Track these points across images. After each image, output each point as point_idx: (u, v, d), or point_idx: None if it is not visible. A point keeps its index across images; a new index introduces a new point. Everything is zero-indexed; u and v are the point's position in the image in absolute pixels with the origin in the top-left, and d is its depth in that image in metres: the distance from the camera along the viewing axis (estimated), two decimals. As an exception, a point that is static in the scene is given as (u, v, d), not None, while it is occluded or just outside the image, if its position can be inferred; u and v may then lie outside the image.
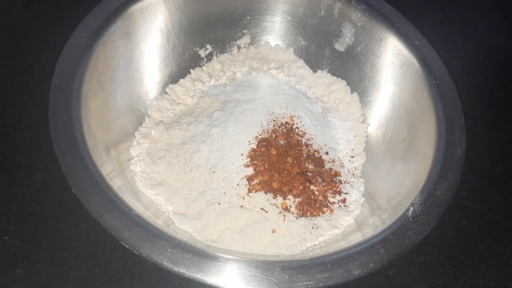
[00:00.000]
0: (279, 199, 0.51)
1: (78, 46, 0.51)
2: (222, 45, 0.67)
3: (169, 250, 0.40)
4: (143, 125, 0.58)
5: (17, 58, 0.61)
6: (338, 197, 0.54)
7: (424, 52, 0.58)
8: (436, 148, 0.50)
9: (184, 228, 0.48)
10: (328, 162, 0.57)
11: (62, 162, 0.43)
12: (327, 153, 0.57)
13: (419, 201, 0.46)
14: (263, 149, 0.53)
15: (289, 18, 0.67)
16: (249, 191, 0.51)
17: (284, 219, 0.49)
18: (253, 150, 0.53)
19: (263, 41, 0.68)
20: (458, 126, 0.52)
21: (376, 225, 0.48)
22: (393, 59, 0.60)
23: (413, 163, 0.53)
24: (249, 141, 0.54)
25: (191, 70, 0.65)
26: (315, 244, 0.49)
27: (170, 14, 0.60)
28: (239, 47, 0.68)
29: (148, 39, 0.59)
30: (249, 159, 0.52)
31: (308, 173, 0.53)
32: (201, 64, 0.66)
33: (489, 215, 0.56)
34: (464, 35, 0.76)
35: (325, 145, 0.58)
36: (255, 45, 0.68)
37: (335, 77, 0.66)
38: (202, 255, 0.40)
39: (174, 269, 0.39)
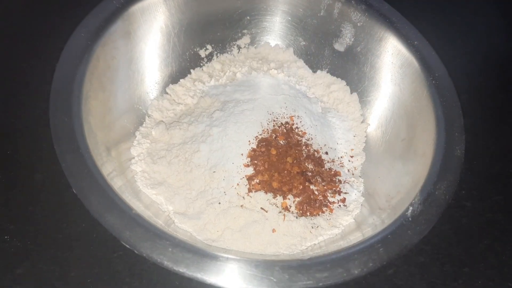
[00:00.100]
0: (279, 198, 0.51)
1: (79, 46, 0.51)
2: (222, 45, 0.67)
3: (170, 249, 0.40)
4: (144, 125, 0.58)
5: (17, 58, 0.61)
6: (337, 197, 0.54)
7: (424, 52, 0.58)
8: (435, 148, 0.51)
9: (184, 228, 0.49)
10: (328, 162, 0.57)
11: (63, 162, 0.43)
12: (326, 153, 0.57)
13: (419, 200, 0.46)
14: (263, 149, 0.53)
15: (289, 18, 0.67)
16: (249, 190, 0.51)
17: (284, 218, 0.49)
18: (253, 150, 0.53)
19: (263, 41, 0.69)
20: (458, 126, 0.53)
21: (375, 224, 0.48)
22: (392, 59, 0.60)
23: (413, 163, 0.53)
24: (249, 141, 0.54)
25: (191, 70, 0.65)
26: (314, 244, 0.49)
27: (170, 14, 0.61)
28: (239, 47, 0.68)
29: (149, 39, 0.59)
30: (249, 159, 0.53)
31: (308, 173, 0.53)
32: (201, 64, 0.66)
33: (488, 215, 0.56)
34: (463, 35, 0.76)
35: (325, 145, 0.58)
36: (255, 45, 0.68)
37: (334, 77, 0.66)
38: (202, 255, 0.40)
39: (174, 268, 0.39)
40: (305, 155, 0.55)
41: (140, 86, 0.59)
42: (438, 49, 0.59)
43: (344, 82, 0.65)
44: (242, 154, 0.53)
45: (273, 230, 0.49)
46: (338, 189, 0.54)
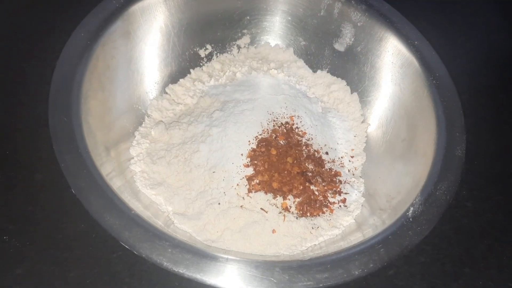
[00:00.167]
0: (279, 199, 0.51)
1: (78, 46, 0.51)
2: (222, 45, 0.67)
3: (169, 250, 0.40)
4: (143, 125, 0.58)
5: (17, 58, 0.61)
6: (338, 197, 0.54)
7: (424, 52, 0.58)
8: (436, 148, 0.50)
9: (184, 228, 0.48)
10: (328, 162, 0.57)
11: (62, 162, 0.43)
12: (327, 153, 0.57)
13: (419, 201, 0.46)
14: (263, 149, 0.53)
15: (289, 18, 0.67)
16: (249, 191, 0.51)
17: (284, 219, 0.49)
18: (253, 150, 0.53)
19: (263, 41, 0.68)
20: (458, 126, 0.52)
21: (376, 225, 0.48)
22: (393, 59, 0.60)
23: (413, 163, 0.53)
24: (249, 141, 0.54)
25: (191, 70, 0.65)
26: (315, 244, 0.49)
27: (170, 14, 0.60)
28: (239, 47, 0.68)
29: (148, 39, 0.59)
30: (249, 159, 0.52)
31: (308, 173, 0.53)
32: (201, 64, 0.66)
33: (489, 215, 0.56)
34: (464, 35, 0.75)
35: (325, 145, 0.58)
36: (255, 45, 0.68)
37: (335, 77, 0.66)
38: (202, 255, 0.40)
39: (174, 269, 0.39)
40: (305, 155, 0.55)
41: (139, 86, 0.59)
42: (438, 49, 0.59)
43: (344, 82, 0.65)
44: (242, 154, 0.53)
45: (273, 231, 0.48)
46: (338, 189, 0.54)
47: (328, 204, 0.53)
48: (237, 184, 0.51)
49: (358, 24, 0.62)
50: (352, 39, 0.64)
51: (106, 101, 0.53)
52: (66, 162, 0.43)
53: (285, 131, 0.56)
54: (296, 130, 0.57)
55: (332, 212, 0.52)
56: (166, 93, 0.62)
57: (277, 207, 0.50)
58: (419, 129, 0.55)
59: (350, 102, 0.64)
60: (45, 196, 0.50)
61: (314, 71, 0.67)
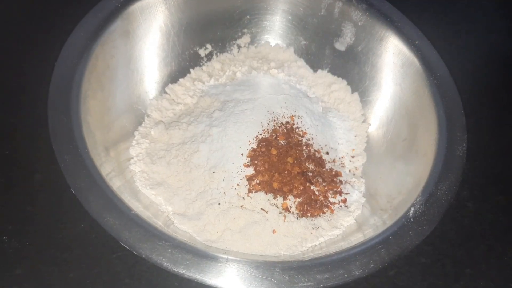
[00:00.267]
0: (279, 199, 0.51)
1: (78, 45, 0.51)
2: (222, 44, 0.67)
3: (169, 250, 0.40)
4: (143, 125, 0.58)
5: (17, 58, 0.61)
6: (338, 197, 0.53)
7: (425, 52, 0.58)
8: (437, 148, 0.50)
9: (184, 229, 0.48)
10: (329, 162, 0.56)
11: (61, 162, 0.43)
12: (327, 153, 0.57)
13: (420, 201, 0.46)
14: (263, 149, 0.53)
15: (289, 17, 0.66)
16: (249, 191, 0.50)
17: (285, 219, 0.49)
18: (253, 150, 0.53)
19: (263, 41, 0.68)
20: (459, 126, 0.52)
21: (377, 225, 0.48)
22: (394, 59, 0.60)
23: (414, 163, 0.53)
24: (249, 141, 0.54)
25: (191, 70, 0.65)
26: (315, 245, 0.49)
27: (170, 13, 0.60)
28: (239, 47, 0.68)
29: (148, 39, 0.59)
30: (249, 159, 0.52)
31: (309, 173, 0.53)
32: (201, 63, 0.66)
33: (490, 215, 0.56)
34: (465, 35, 0.75)
35: (326, 145, 0.58)
36: (255, 45, 0.68)
37: (335, 77, 0.66)
38: (202, 256, 0.40)
39: (174, 269, 0.39)
40: (305, 155, 0.55)
41: (139, 85, 0.59)
42: (439, 49, 0.59)
43: (345, 82, 0.65)
44: (242, 154, 0.53)
45: (274, 231, 0.48)
46: (339, 189, 0.54)
47: (329, 204, 0.53)
48: (237, 184, 0.51)
49: (359, 23, 0.62)
50: (353, 39, 0.64)
51: (106, 101, 0.53)
52: (66, 162, 0.43)
53: (285, 131, 0.56)
54: (297, 130, 0.57)
55: (332, 212, 0.52)
56: (166, 92, 0.62)
57: (278, 207, 0.50)
58: (420, 129, 0.55)
59: (350, 102, 0.64)
60: (44, 196, 0.50)
61: (315, 71, 0.67)
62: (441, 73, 0.56)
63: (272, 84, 0.63)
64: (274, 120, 0.56)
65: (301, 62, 0.67)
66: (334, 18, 0.64)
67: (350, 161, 0.59)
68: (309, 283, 0.39)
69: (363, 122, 0.62)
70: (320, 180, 0.53)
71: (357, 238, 0.46)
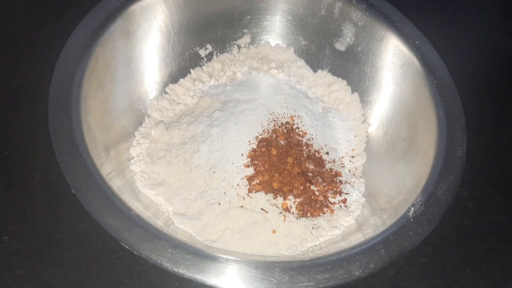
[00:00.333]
0: (280, 199, 0.51)
1: (78, 45, 0.51)
2: (222, 44, 0.67)
3: (169, 250, 0.40)
4: (143, 125, 0.58)
5: (17, 58, 0.61)
6: (338, 198, 0.53)
7: (425, 52, 0.58)
8: (437, 148, 0.50)
9: (184, 229, 0.48)
10: (329, 162, 0.56)
11: (62, 162, 0.43)
12: (327, 153, 0.57)
13: (420, 201, 0.46)
14: (263, 149, 0.53)
15: (290, 17, 0.66)
16: (249, 191, 0.50)
17: (285, 219, 0.49)
18: (254, 150, 0.53)
19: (263, 41, 0.68)
20: (459, 126, 0.52)
21: (376, 225, 0.48)
22: (393, 59, 0.60)
23: (414, 163, 0.53)
24: (249, 141, 0.54)
25: (191, 70, 0.65)
26: (315, 245, 0.49)
27: (170, 14, 0.60)
28: (239, 47, 0.68)
29: (148, 39, 0.59)
30: (249, 159, 0.52)
31: (309, 173, 0.53)
32: (201, 63, 0.66)
33: (490, 216, 0.56)
34: (465, 35, 0.75)
35: (326, 145, 0.58)
36: (255, 45, 0.68)
37: (335, 77, 0.66)
38: (202, 256, 0.40)
39: (174, 269, 0.39)
40: (305, 155, 0.55)
41: (139, 85, 0.59)
42: (439, 49, 0.59)
43: (345, 82, 0.65)
44: (242, 154, 0.53)
45: (274, 231, 0.48)
46: (339, 189, 0.54)
47: (329, 204, 0.53)
48: (238, 184, 0.51)
49: (359, 23, 0.62)
50: (353, 39, 0.64)
51: (106, 101, 0.53)
52: (66, 162, 0.43)
53: (285, 131, 0.56)
54: (297, 130, 0.57)
55: (332, 213, 0.52)
56: (166, 93, 0.62)
57: (278, 207, 0.50)
58: (419, 129, 0.55)
59: (350, 102, 0.64)
60: (44, 196, 0.50)
61: (315, 71, 0.67)
62: (441, 73, 0.56)
63: (272, 84, 0.63)
64: (274, 120, 0.56)
65: (301, 62, 0.67)
66: (334, 18, 0.64)
67: (350, 161, 0.59)
68: (309, 283, 0.39)
69: (363, 122, 0.62)
70: (320, 180, 0.53)
71: (357, 238, 0.46)
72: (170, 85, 0.62)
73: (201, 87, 0.63)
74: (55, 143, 0.44)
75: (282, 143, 0.54)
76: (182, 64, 0.64)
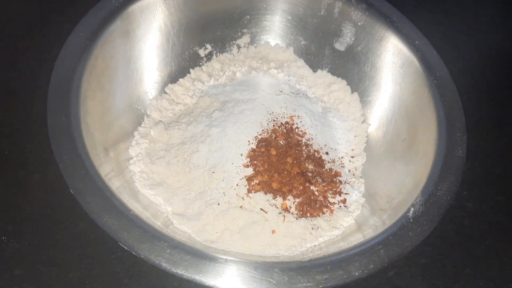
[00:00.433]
0: (279, 199, 0.51)
1: (77, 45, 0.51)
2: (221, 44, 0.67)
3: (168, 251, 0.40)
4: (142, 125, 0.58)
5: (16, 58, 0.61)
6: (338, 198, 0.53)
7: (425, 52, 0.58)
8: (436, 148, 0.50)
9: (183, 229, 0.48)
10: (328, 162, 0.56)
11: (61, 162, 0.43)
12: (327, 153, 0.57)
13: (420, 201, 0.46)
14: (262, 149, 0.53)
15: (289, 17, 0.66)
16: (249, 191, 0.50)
17: (284, 219, 0.49)
18: (253, 150, 0.53)
19: (263, 41, 0.68)
20: (459, 126, 0.52)
21: (376, 225, 0.48)
22: (393, 59, 0.60)
23: (414, 163, 0.53)
24: (249, 141, 0.53)
25: (191, 70, 0.65)
26: (315, 245, 0.49)
27: (170, 14, 0.60)
28: (238, 47, 0.68)
29: (148, 39, 0.59)
30: (248, 159, 0.52)
31: (308, 174, 0.53)
32: (200, 63, 0.66)
33: (490, 216, 0.56)
34: (464, 35, 0.75)
35: (325, 145, 0.58)
36: (255, 45, 0.68)
37: (335, 77, 0.66)
38: (201, 256, 0.40)
39: (173, 270, 0.39)
40: (305, 156, 0.55)
41: (139, 85, 0.59)
42: (439, 49, 0.59)
43: (344, 82, 0.65)
44: (241, 155, 0.53)
45: (273, 231, 0.48)
46: (338, 189, 0.54)
47: (328, 204, 0.52)
48: (237, 185, 0.51)
49: (359, 23, 0.62)
50: (353, 39, 0.63)
51: (105, 101, 0.53)
52: (65, 163, 0.43)
53: (285, 131, 0.56)
54: (296, 130, 0.57)
55: (332, 213, 0.52)
56: (166, 93, 0.62)
57: (277, 207, 0.50)
58: (419, 129, 0.54)
59: (350, 102, 0.64)
60: (43, 197, 0.50)
61: (314, 71, 0.67)
62: (441, 73, 0.56)
63: (272, 84, 0.63)
64: (274, 120, 0.56)
65: (301, 62, 0.67)
66: (334, 18, 0.64)
67: (349, 161, 0.58)
68: (308, 284, 0.39)
69: (363, 122, 0.62)
70: (319, 180, 0.53)
71: (357, 239, 0.46)
72: (170, 85, 0.62)
73: (200, 87, 0.63)
74: (54, 143, 0.44)
75: (281, 143, 0.54)
76: (182, 64, 0.64)
